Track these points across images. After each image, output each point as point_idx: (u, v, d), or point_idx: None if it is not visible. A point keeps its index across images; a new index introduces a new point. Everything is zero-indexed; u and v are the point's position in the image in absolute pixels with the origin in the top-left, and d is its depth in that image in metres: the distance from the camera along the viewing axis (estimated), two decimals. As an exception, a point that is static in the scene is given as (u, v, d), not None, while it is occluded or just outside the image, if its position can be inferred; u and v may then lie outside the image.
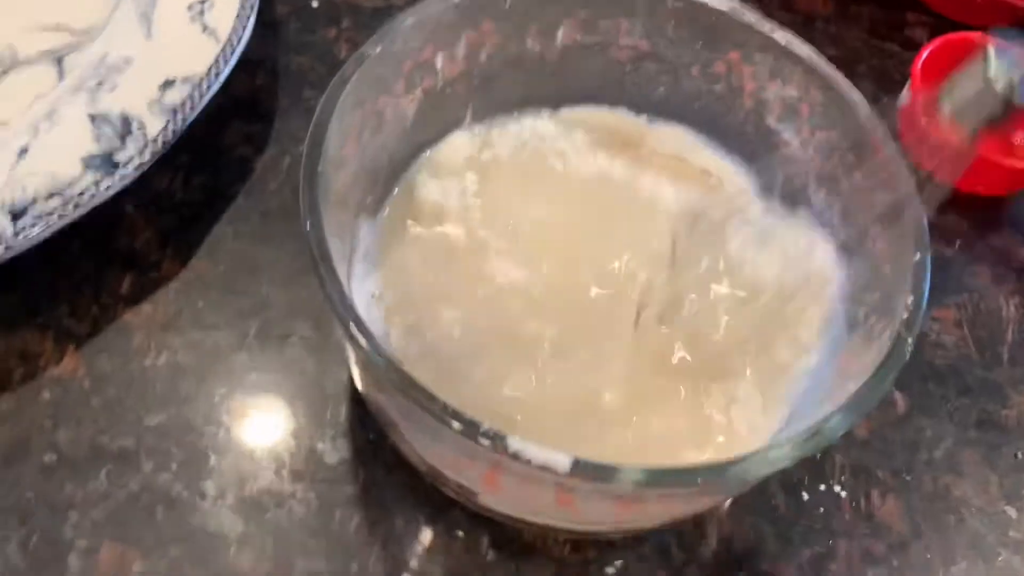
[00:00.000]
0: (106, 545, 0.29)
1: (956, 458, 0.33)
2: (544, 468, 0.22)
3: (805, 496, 0.32)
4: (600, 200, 0.32)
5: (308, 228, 0.24)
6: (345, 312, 0.23)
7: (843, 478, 0.32)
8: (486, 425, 0.22)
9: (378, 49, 0.28)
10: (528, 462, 0.22)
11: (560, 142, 0.34)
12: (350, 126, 0.28)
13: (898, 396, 0.34)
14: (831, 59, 0.40)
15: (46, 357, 0.32)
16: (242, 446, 0.31)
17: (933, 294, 0.36)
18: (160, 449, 0.30)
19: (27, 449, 0.30)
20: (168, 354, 0.32)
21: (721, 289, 0.29)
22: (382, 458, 0.31)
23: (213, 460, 0.30)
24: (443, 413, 0.22)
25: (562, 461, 0.22)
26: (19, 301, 0.32)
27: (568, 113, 0.34)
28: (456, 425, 0.22)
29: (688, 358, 0.29)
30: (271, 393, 0.32)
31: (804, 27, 0.44)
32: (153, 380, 0.32)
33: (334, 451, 0.31)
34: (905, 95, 0.41)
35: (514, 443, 0.22)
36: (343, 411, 0.31)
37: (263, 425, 0.31)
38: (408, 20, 0.29)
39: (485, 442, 0.22)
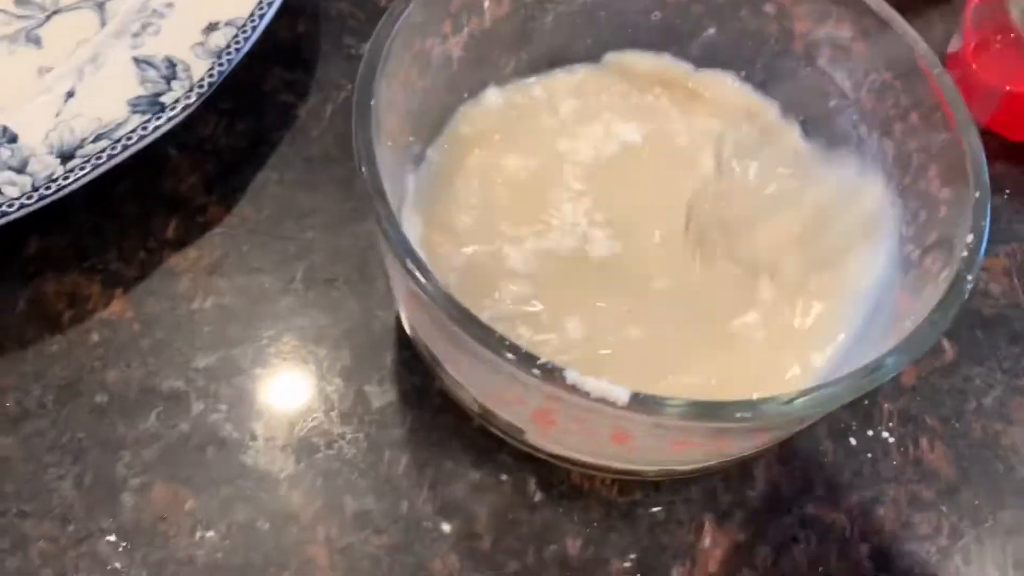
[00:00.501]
0: (158, 484, 0.29)
1: (1006, 406, 0.33)
2: (602, 400, 0.21)
3: (853, 442, 0.31)
4: (646, 134, 0.32)
5: (363, 166, 0.24)
6: (400, 246, 0.23)
7: (891, 424, 0.32)
8: (543, 358, 0.22)
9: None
10: (586, 394, 0.22)
11: (606, 86, 0.33)
12: (399, 67, 0.28)
13: (946, 344, 0.34)
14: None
15: (95, 300, 0.32)
16: (290, 388, 0.31)
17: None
18: (209, 391, 0.30)
19: (78, 390, 0.30)
20: (215, 298, 0.32)
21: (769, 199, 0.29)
22: (428, 401, 0.31)
23: (262, 402, 0.30)
24: (499, 346, 0.22)
25: (620, 394, 0.21)
26: (68, 244, 0.33)
27: (613, 58, 0.34)
28: (511, 357, 0.22)
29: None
30: (318, 336, 0.32)
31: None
32: (200, 323, 0.32)
33: (381, 394, 0.31)
34: (955, 42, 0.40)
35: (572, 376, 0.22)
36: (389, 355, 0.31)
37: (311, 368, 0.31)
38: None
39: (541, 375, 0.22)
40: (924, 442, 0.32)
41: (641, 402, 0.22)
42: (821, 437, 0.31)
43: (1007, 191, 0.38)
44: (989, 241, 0.36)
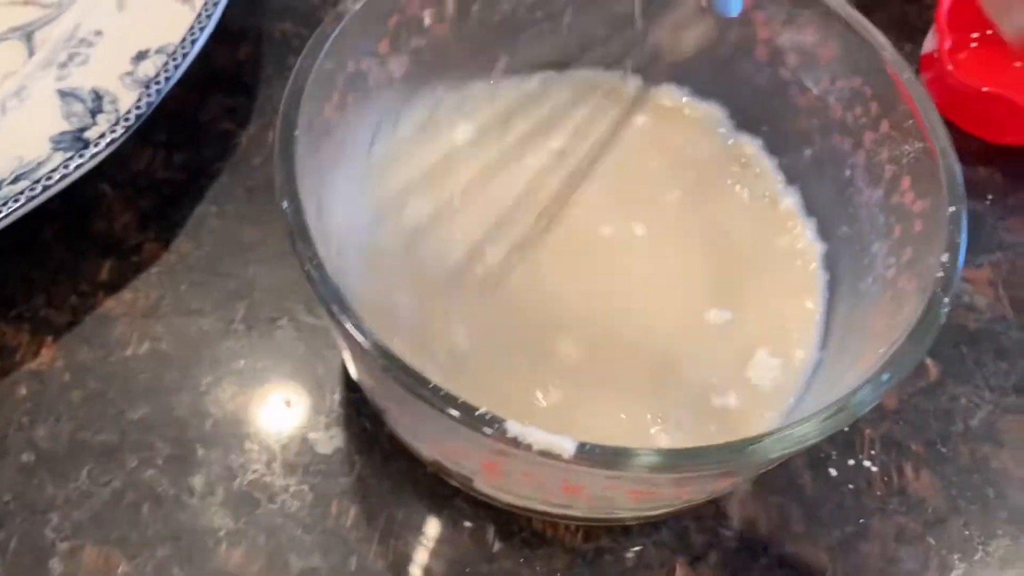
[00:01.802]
0: (89, 547, 0.27)
1: (994, 427, 0.31)
2: (546, 453, 0.20)
3: (833, 472, 0.30)
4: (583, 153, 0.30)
5: (285, 204, 0.22)
6: (326, 291, 0.21)
7: (873, 452, 0.30)
8: (482, 409, 0.20)
9: (359, 5, 0.26)
10: (529, 447, 0.20)
11: (549, 100, 0.31)
12: (331, 89, 0.26)
13: (929, 363, 0.32)
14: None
15: (23, 350, 0.30)
16: (231, 438, 0.29)
17: (965, 255, 0.34)
18: (144, 443, 0.28)
19: (4, 448, 0.28)
20: (151, 343, 0.30)
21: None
22: (379, 446, 0.29)
23: (201, 454, 0.28)
24: (437, 399, 0.20)
25: (567, 445, 0.20)
26: (-8, 292, 0.31)
27: (562, 74, 0.32)
28: (452, 411, 0.20)
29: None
30: (260, 381, 0.30)
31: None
32: (136, 371, 0.30)
33: (328, 440, 0.29)
34: (929, 41, 0.38)
35: (513, 428, 0.20)
36: (336, 398, 0.30)
37: (252, 415, 0.29)
38: (391, -27, 0.27)
39: (482, 428, 0.20)
40: (909, 469, 0.30)
41: (588, 453, 0.20)
42: (799, 468, 0.30)
43: (989, 196, 0.36)
44: (972, 251, 0.35)
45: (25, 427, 0.29)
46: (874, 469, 0.30)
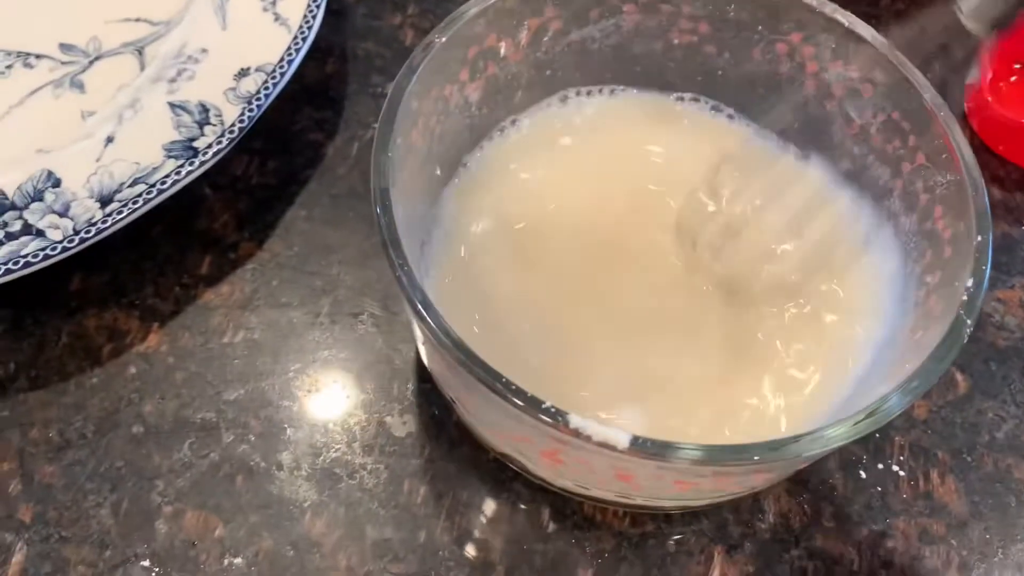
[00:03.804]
0: (190, 511, 0.30)
1: (1019, 439, 0.33)
2: (603, 444, 0.22)
3: (863, 474, 0.32)
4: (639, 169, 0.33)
5: (378, 213, 0.26)
6: (413, 293, 0.24)
7: (902, 457, 0.32)
8: (547, 403, 0.23)
9: (444, 38, 0.29)
10: (588, 438, 0.22)
11: (612, 123, 0.34)
12: (417, 114, 0.29)
13: (959, 377, 0.34)
14: (895, 36, 0.39)
15: (133, 334, 0.34)
16: (315, 419, 0.32)
17: (998, 274, 0.37)
18: (239, 422, 0.32)
19: (116, 421, 0.32)
20: (245, 332, 0.34)
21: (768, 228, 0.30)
22: (447, 432, 0.32)
23: (289, 432, 0.32)
24: (505, 390, 0.23)
25: (621, 438, 0.22)
26: (108, 281, 0.34)
27: (624, 96, 0.35)
28: (518, 402, 0.23)
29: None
30: (342, 369, 0.33)
31: (870, 2, 0.44)
32: (231, 356, 0.33)
33: (401, 425, 0.32)
34: (973, 72, 0.40)
35: (575, 420, 0.23)
36: (410, 387, 0.33)
37: (335, 400, 0.32)
38: (472, 9, 0.30)
39: (546, 419, 0.23)
40: (935, 476, 0.32)
41: (640, 446, 0.22)
42: (831, 469, 0.32)
43: (1025, 222, 0.38)
44: (1006, 272, 0.37)
45: (135, 403, 0.32)
46: (902, 473, 0.32)
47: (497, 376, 0.23)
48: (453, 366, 0.24)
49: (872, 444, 0.33)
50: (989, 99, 0.38)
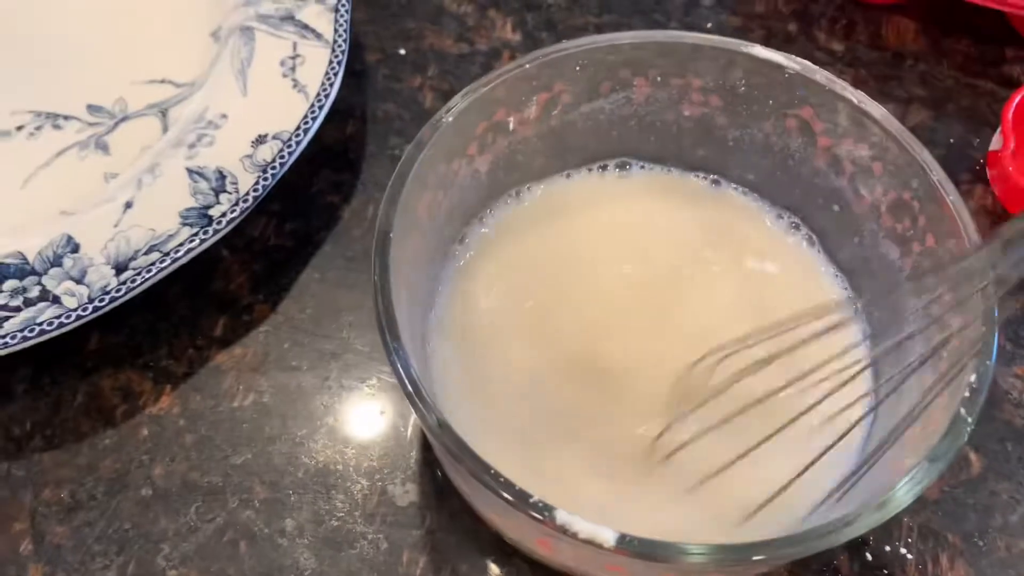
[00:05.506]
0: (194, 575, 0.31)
1: (1033, 524, 0.32)
2: (589, 542, 0.22)
3: (869, 556, 0.31)
4: (662, 255, 0.33)
5: (377, 299, 0.26)
6: (407, 382, 0.25)
7: (910, 540, 0.32)
8: (535, 497, 0.23)
9: (451, 117, 0.29)
10: (575, 535, 0.22)
11: (622, 199, 0.34)
12: (424, 189, 0.29)
13: (973, 456, 0.33)
14: (919, 99, 0.38)
15: (146, 396, 0.34)
16: (320, 486, 0.32)
17: (1016, 349, 0.36)
18: (244, 487, 0.32)
19: (126, 482, 0.33)
20: (255, 395, 0.34)
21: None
22: (448, 502, 0.32)
23: (293, 499, 0.32)
24: (495, 483, 0.23)
25: (607, 536, 0.22)
26: (124, 341, 0.35)
27: (634, 173, 0.35)
28: (506, 495, 0.23)
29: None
30: (348, 435, 0.33)
31: (892, 64, 0.44)
32: (241, 420, 0.34)
33: (404, 494, 0.32)
34: (996, 140, 0.40)
35: (561, 516, 0.23)
36: (413, 455, 0.33)
37: (339, 466, 0.33)
38: (483, 89, 0.30)
39: (534, 514, 0.23)
40: (944, 559, 0.32)
41: (627, 545, 0.22)
42: (836, 550, 0.31)
43: (1047, 294, 0.37)
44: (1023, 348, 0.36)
45: (145, 465, 0.33)
46: (910, 557, 0.31)
47: (486, 468, 0.23)
48: (444, 455, 0.25)
49: (880, 525, 0.32)
50: (1010, 169, 0.37)
